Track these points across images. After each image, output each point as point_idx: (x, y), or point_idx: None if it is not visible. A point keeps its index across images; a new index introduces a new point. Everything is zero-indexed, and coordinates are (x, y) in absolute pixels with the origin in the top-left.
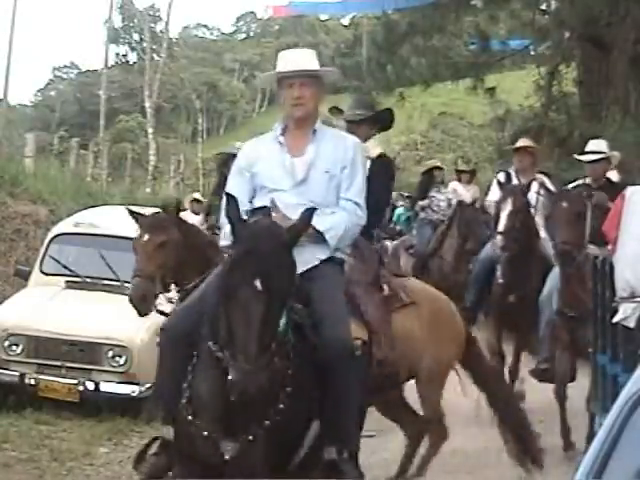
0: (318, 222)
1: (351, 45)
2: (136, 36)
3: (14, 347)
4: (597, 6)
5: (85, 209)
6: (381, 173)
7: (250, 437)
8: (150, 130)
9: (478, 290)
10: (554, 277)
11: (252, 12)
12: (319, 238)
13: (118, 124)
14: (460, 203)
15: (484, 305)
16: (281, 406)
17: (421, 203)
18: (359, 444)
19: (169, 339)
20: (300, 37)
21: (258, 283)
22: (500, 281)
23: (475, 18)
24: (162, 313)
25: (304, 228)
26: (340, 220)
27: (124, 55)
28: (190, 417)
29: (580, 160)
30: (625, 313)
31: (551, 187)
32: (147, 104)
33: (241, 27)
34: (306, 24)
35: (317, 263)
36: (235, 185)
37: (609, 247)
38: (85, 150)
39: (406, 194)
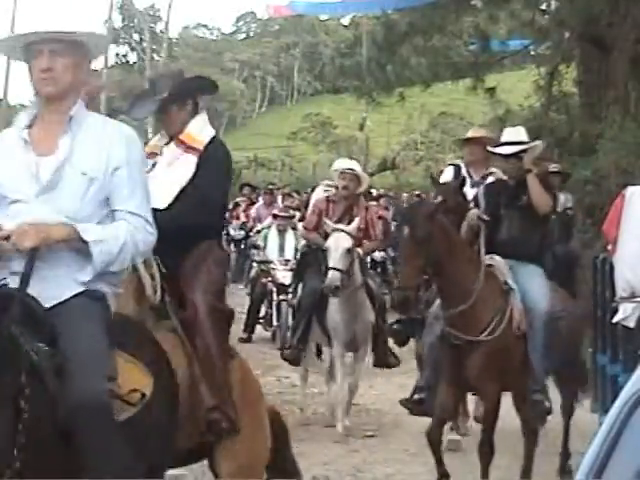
0: (86, 230)
1: (351, 45)
2: (136, 36)
3: None
4: (597, 6)
5: None
6: (211, 161)
7: None
8: (150, 130)
9: None
10: None
11: (252, 12)
12: (81, 252)
13: None
14: None
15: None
16: (17, 465)
17: None
18: None
19: None
20: (300, 37)
21: None
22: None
23: (475, 18)
24: None
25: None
26: (118, 233)
27: (124, 55)
28: None
29: (494, 153)
30: (625, 313)
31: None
32: None
33: (241, 27)
34: (306, 24)
35: (70, 294)
36: None
37: (609, 247)
38: None
39: (417, 192)
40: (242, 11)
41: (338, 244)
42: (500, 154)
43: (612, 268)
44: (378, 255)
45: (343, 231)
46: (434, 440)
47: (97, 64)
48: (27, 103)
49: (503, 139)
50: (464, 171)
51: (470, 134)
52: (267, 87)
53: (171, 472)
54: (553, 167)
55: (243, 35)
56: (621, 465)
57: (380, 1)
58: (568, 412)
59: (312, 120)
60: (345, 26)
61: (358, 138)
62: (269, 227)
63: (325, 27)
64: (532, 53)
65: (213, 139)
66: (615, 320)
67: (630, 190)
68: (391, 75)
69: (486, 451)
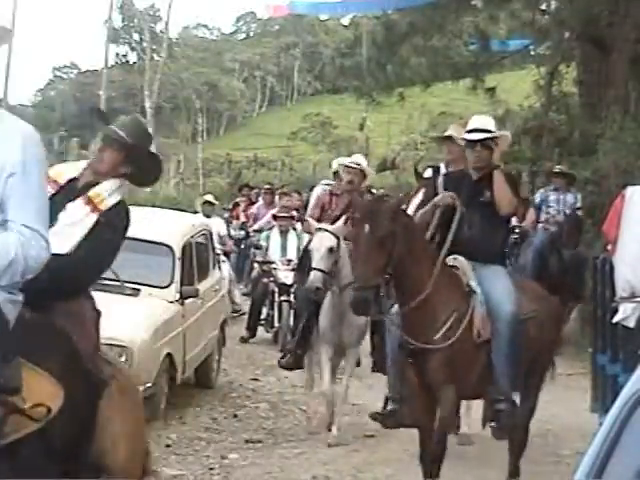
0: None
1: (351, 45)
2: (136, 36)
3: None
4: (597, 6)
5: None
6: (108, 224)
7: None
8: (150, 130)
9: None
10: None
11: (252, 12)
12: None
13: None
14: None
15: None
16: None
17: None
18: None
19: None
20: (300, 37)
21: None
22: None
23: (475, 18)
24: None
25: None
26: (8, 248)
27: (124, 55)
28: None
29: (462, 140)
30: (625, 313)
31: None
32: (147, 104)
33: (241, 27)
34: (306, 24)
35: None
36: None
37: (609, 247)
38: (85, 150)
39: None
40: (242, 11)
41: (321, 244)
42: (466, 140)
43: (612, 268)
44: None
45: (327, 230)
46: (427, 453)
47: (97, 64)
48: (27, 103)
49: (470, 127)
50: (443, 170)
51: (450, 132)
52: (267, 87)
53: (171, 472)
54: (557, 168)
55: (243, 35)
56: (621, 465)
57: (380, 1)
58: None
59: (312, 120)
60: (345, 26)
61: (358, 138)
62: (271, 228)
63: (325, 27)
64: (532, 53)
65: (117, 204)
66: (615, 320)
67: (630, 190)
68: (391, 75)
69: (438, 453)
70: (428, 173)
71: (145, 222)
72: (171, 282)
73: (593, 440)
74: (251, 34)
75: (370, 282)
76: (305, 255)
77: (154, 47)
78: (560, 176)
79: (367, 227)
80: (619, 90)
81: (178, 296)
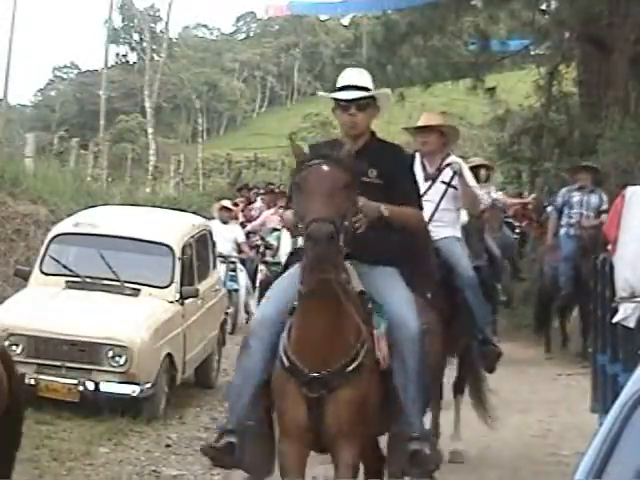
0: None
1: (351, 45)
2: (136, 36)
3: (14, 347)
4: (597, 6)
5: (85, 209)
6: None
7: None
8: (150, 130)
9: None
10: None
11: (252, 12)
12: None
13: (118, 124)
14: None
15: None
16: None
17: None
18: None
19: None
20: (300, 37)
21: None
22: None
23: (475, 18)
24: None
25: None
26: None
27: (124, 55)
28: None
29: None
30: (625, 313)
31: (468, 175)
32: (147, 104)
33: (241, 27)
34: (306, 24)
35: None
36: None
37: (609, 247)
38: (85, 150)
39: None
40: (242, 11)
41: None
42: (338, 100)
43: (612, 268)
44: None
45: None
46: None
47: (97, 64)
48: (27, 103)
49: (341, 82)
50: (418, 162)
51: (422, 122)
52: (267, 87)
53: (171, 472)
54: (583, 163)
55: (243, 35)
56: (621, 465)
57: (380, 1)
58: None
59: (312, 120)
60: (345, 26)
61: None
62: (278, 229)
63: (325, 27)
64: (532, 53)
65: None
66: (615, 320)
67: (630, 190)
68: (391, 75)
69: None
70: None
71: (145, 222)
72: (171, 282)
73: (593, 440)
74: (251, 34)
75: (332, 217)
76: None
77: (154, 47)
78: (586, 171)
79: (326, 168)
80: (619, 90)
81: (178, 296)
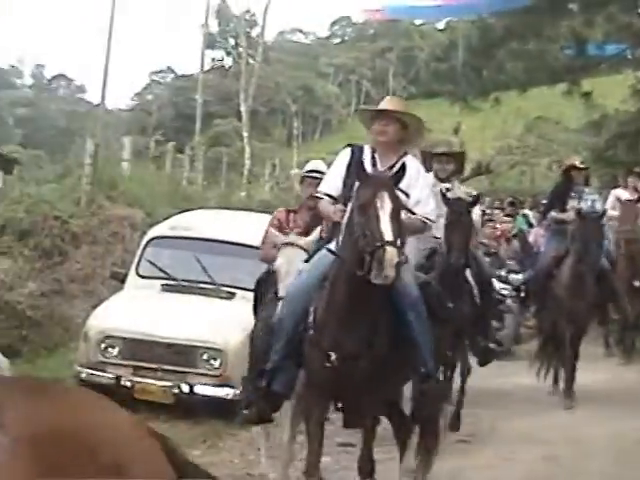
0: None
1: (446, 49)
2: (232, 41)
3: (110, 349)
4: None
5: (181, 212)
6: None
7: None
8: (245, 134)
9: None
10: None
11: (347, 16)
12: None
13: (214, 128)
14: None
15: None
16: None
17: (555, 215)
18: None
19: None
20: (395, 41)
21: None
22: None
23: (571, 22)
24: None
25: None
26: None
27: (220, 60)
28: None
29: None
30: None
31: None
32: (242, 108)
33: (336, 31)
34: (401, 28)
35: None
36: None
37: None
38: (181, 154)
39: (509, 199)
40: (337, 16)
41: (290, 263)
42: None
43: None
44: None
45: (297, 246)
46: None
47: (193, 69)
48: (124, 107)
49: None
50: (367, 155)
51: (384, 105)
52: (362, 91)
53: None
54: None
55: (338, 39)
56: None
57: (476, 5)
58: None
59: None
60: (440, 30)
61: (453, 142)
62: None
63: (420, 31)
64: (629, 57)
65: None
66: None
67: None
68: (486, 79)
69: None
70: (345, 154)
71: (240, 225)
72: None
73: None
74: (346, 38)
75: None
76: (267, 279)
77: (250, 52)
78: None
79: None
80: None
81: None
